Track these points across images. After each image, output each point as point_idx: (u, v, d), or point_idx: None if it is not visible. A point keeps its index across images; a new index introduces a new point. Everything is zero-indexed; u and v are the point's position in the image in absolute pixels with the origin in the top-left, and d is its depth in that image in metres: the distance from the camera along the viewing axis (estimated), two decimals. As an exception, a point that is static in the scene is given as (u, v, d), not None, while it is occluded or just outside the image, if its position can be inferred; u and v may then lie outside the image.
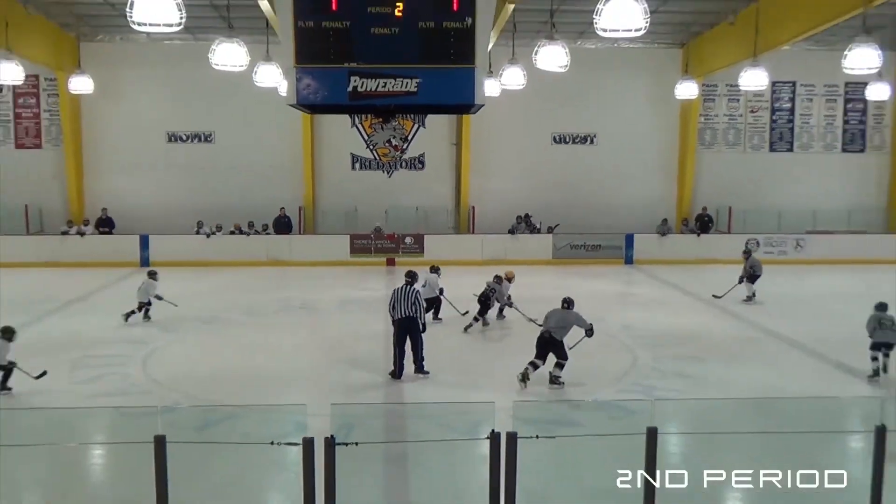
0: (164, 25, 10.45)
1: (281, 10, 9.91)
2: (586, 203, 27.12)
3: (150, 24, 10.47)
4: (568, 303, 13.00)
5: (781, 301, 19.48)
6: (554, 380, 12.40)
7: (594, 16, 10.34)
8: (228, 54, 16.84)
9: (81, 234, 25.72)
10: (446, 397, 11.63)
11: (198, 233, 25.66)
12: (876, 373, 12.52)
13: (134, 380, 12.35)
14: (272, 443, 5.57)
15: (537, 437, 5.34)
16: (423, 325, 12.79)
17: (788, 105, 28.11)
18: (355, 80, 9.82)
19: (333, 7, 9.75)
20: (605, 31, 10.43)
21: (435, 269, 17.05)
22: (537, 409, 10.46)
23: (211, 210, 26.18)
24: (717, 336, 16.02)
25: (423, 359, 12.71)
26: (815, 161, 28.18)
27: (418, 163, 27.50)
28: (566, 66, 16.54)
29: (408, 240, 26.12)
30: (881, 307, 12.90)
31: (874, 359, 12.56)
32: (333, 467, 5.19)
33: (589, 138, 27.90)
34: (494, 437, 5.23)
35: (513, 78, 20.53)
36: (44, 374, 11.74)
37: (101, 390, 11.74)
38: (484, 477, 5.32)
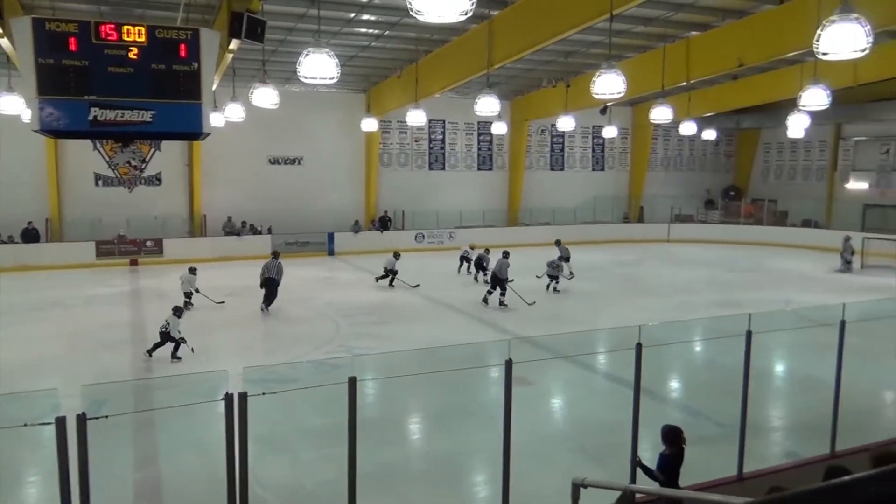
0: None
1: (21, 47, 8.63)
2: (297, 209, 26.74)
3: None
4: (506, 254, 16.46)
5: (440, 277, 20.67)
6: (501, 302, 15.92)
7: (298, 66, 10.19)
8: (-32, 83, 14.34)
9: None
10: (189, 369, 10.91)
11: (-57, 244, 21.63)
12: (548, 288, 17.99)
13: None
14: (24, 425, 4.85)
15: (264, 393, 5.17)
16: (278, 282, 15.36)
17: (441, 136, 29.84)
18: (95, 111, 8.84)
19: (72, 48, 8.70)
20: (306, 77, 10.32)
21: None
22: (265, 372, 10.17)
23: (-44, 223, 22.11)
24: (397, 305, 16.65)
25: (269, 305, 15.25)
26: (460, 177, 30.25)
27: (156, 180, 25.31)
28: (277, 104, 16.15)
29: (149, 243, 24.01)
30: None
31: (549, 284, 18.07)
32: (86, 441, 4.63)
33: (297, 160, 27.50)
34: (228, 398, 4.98)
35: (234, 112, 19.62)
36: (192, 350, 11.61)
37: None
38: (223, 430, 5.05)
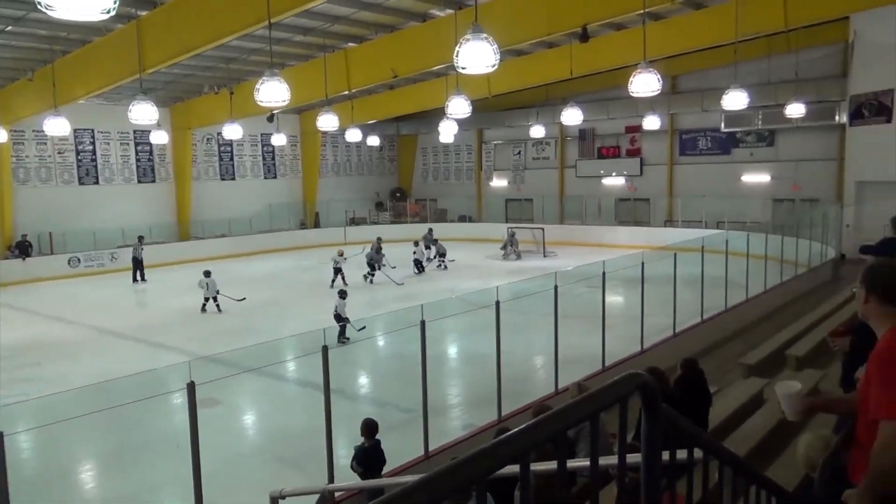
0: None
1: None
2: None
3: None
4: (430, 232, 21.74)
5: (105, 303, 18.63)
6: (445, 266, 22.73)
7: None
8: None
9: None
10: None
11: None
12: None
13: None
14: None
15: None
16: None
17: (91, 147, 26.64)
18: None
19: None
20: None
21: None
22: None
23: None
24: (53, 341, 14.54)
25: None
26: (118, 191, 27.34)
27: None
28: None
29: None
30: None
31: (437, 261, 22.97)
32: None
33: None
34: None
35: None
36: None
37: None
38: None
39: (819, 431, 3.89)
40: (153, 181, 28.53)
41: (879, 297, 2.55)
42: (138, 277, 22.42)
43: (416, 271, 22.34)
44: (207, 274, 17.04)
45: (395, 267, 21.81)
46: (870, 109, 20.08)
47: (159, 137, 23.13)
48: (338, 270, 20.01)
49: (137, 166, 28.03)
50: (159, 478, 7.86)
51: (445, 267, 23.51)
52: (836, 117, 23.08)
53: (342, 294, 13.99)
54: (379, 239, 22.88)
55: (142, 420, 8.74)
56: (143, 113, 14.17)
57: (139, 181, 28.12)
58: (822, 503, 2.93)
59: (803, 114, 19.57)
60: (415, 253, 22.58)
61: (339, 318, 13.30)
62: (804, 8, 15.69)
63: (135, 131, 27.06)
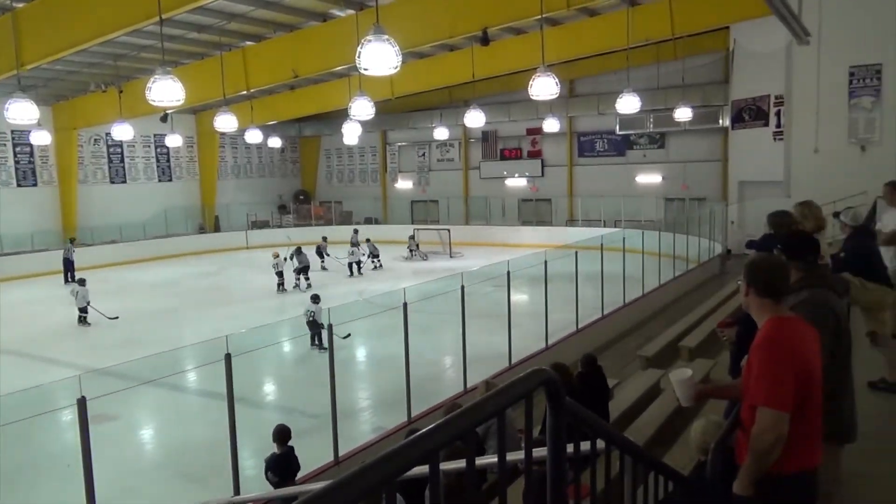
0: None
1: None
2: None
3: None
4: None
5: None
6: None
7: None
8: None
9: None
10: None
11: None
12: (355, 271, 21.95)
13: None
14: None
15: None
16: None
17: (-38, 149, 24.68)
18: None
19: None
20: None
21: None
22: None
23: None
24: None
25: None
26: (-5, 195, 25.46)
27: None
28: None
29: None
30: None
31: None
32: None
33: None
34: None
35: None
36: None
37: None
38: None
39: (711, 417, 4.13)
40: (34, 185, 26.69)
41: (758, 291, 2.74)
42: (69, 279, 21.82)
43: (350, 273, 22.12)
44: (82, 283, 16.12)
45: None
46: (749, 113, 21.49)
47: (41, 138, 21.55)
48: (280, 273, 19.57)
49: (16, 169, 26.13)
50: (48, 501, 7.39)
51: (376, 267, 23.40)
52: (720, 121, 24.57)
53: (315, 298, 13.11)
54: (324, 238, 22.58)
55: (28, 440, 8.17)
56: (22, 112, 13.18)
57: (18, 185, 26.23)
58: (713, 485, 3.11)
59: (690, 118, 20.71)
60: (348, 255, 22.38)
61: (315, 324, 12.53)
62: (689, 17, 16.62)
63: (13, 131, 25.24)
